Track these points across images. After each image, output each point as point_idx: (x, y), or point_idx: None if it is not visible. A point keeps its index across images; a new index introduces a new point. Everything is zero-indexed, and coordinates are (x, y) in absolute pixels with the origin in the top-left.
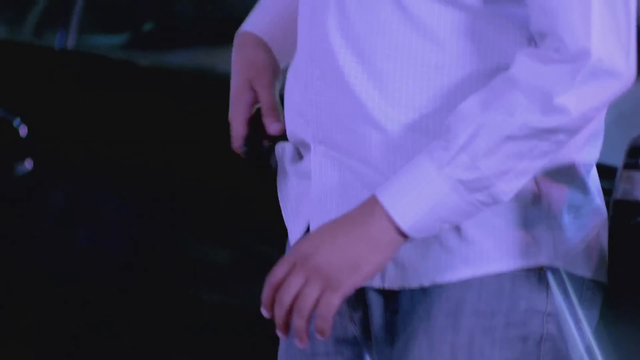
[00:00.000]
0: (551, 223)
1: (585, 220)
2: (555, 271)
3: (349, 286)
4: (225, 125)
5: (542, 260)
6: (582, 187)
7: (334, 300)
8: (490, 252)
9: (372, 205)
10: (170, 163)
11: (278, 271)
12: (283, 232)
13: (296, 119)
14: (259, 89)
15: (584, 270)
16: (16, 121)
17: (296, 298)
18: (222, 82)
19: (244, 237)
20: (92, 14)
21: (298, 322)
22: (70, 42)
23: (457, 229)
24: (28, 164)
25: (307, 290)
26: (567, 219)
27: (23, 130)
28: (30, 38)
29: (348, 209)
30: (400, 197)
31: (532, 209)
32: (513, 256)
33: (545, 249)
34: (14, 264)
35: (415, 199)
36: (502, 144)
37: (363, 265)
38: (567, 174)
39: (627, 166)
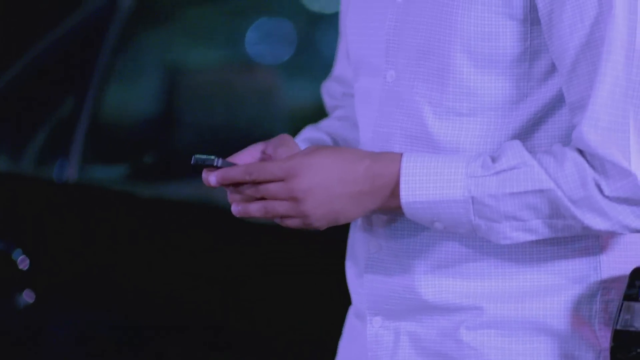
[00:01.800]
0: None
1: None
2: None
3: (317, 228)
4: (225, 256)
5: None
6: None
7: (296, 225)
8: None
9: (389, 163)
10: (174, 294)
11: (272, 188)
12: None
13: (353, 294)
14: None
15: None
16: (16, 253)
17: (270, 204)
18: (221, 214)
19: None
20: (92, 146)
21: (256, 211)
22: (71, 174)
23: None
24: (28, 296)
25: (282, 213)
26: None
27: (24, 262)
28: (31, 169)
29: None
30: (421, 174)
31: None
32: None
33: None
34: None
35: (430, 184)
36: (530, 192)
37: (341, 219)
38: None
39: (628, 297)
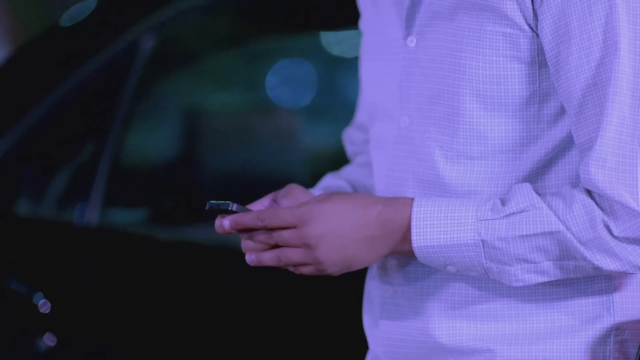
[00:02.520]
0: None
1: None
2: None
3: (331, 274)
4: (243, 299)
5: None
6: None
7: (310, 272)
8: None
9: (401, 207)
10: (194, 337)
11: (285, 235)
12: None
13: (370, 338)
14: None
15: None
16: (37, 296)
17: (283, 253)
18: (241, 258)
19: None
20: (113, 189)
21: (269, 260)
22: (92, 217)
23: None
24: (49, 340)
25: (295, 261)
26: None
27: (45, 306)
28: (52, 213)
29: None
30: (432, 218)
31: None
32: None
33: None
34: None
35: (441, 228)
36: (540, 235)
37: (355, 264)
38: None
39: None
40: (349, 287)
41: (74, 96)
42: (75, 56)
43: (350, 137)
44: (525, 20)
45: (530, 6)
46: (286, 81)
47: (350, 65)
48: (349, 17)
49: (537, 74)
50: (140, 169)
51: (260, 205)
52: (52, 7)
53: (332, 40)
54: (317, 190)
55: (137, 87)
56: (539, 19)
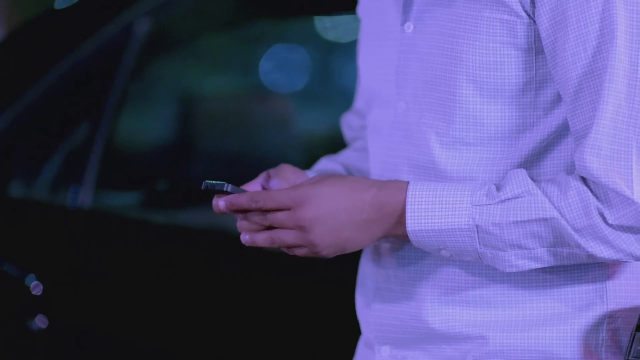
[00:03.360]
0: None
1: None
2: None
3: (325, 256)
4: (237, 283)
5: None
6: None
7: (304, 254)
8: None
9: (396, 191)
10: (187, 320)
11: (279, 217)
12: None
13: (362, 323)
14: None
15: None
16: (29, 278)
17: (277, 234)
18: (235, 241)
19: None
20: (106, 172)
21: (263, 241)
22: (85, 200)
23: None
24: (41, 322)
25: (289, 242)
26: None
27: (37, 288)
28: (45, 195)
29: None
30: (427, 202)
31: None
32: None
33: None
34: None
35: (436, 213)
36: (534, 221)
37: (349, 247)
38: None
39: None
40: (342, 273)
41: (68, 79)
42: (70, 39)
43: (349, 122)
44: (523, 6)
45: None
46: (280, 65)
47: (344, 50)
48: (343, 2)
49: (534, 61)
50: (133, 153)
51: (255, 185)
52: None
53: (327, 25)
54: (311, 173)
55: (132, 71)
56: (536, 5)
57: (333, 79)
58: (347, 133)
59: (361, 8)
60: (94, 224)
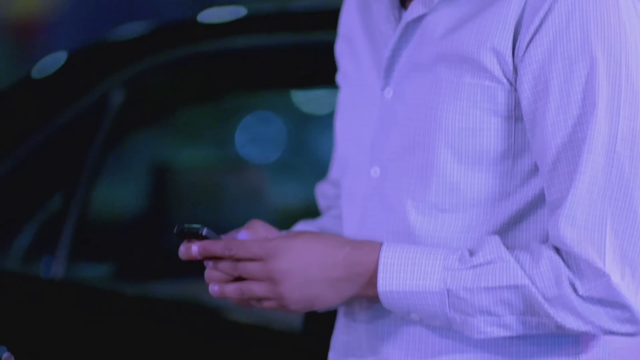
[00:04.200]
0: None
1: None
2: None
3: (294, 311)
4: (211, 356)
5: None
6: None
7: (272, 307)
8: None
9: (369, 251)
10: None
11: (250, 267)
12: None
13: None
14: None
15: None
16: (1, 350)
17: (247, 285)
18: (208, 314)
19: None
20: (80, 243)
21: (232, 292)
22: (58, 271)
23: None
24: None
25: (259, 294)
26: None
27: None
28: (17, 266)
29: None
30: (399, 264)
31: None
32: None
33: None
34: None
35: (407, 275)
36: (505, 288)
37: (317, 304)
38: None
39: None
40: (320, 339)
41: (43, 148)
42: (46, 109)
43: (323, 191)
44: (504, 74)
45: (510, 60)
46: (255, 137)
47: (321, 122)
48: (320, 76)
49: (513, 129)
50: (107, 223)
51: (231, 236)
52: (25, 58)
53: (303, 99)
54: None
55: (106, 141)
56: (518, 73)
57: (308, 150)
58: (322, 202)
59: (341, 75)
60: (67, 295)
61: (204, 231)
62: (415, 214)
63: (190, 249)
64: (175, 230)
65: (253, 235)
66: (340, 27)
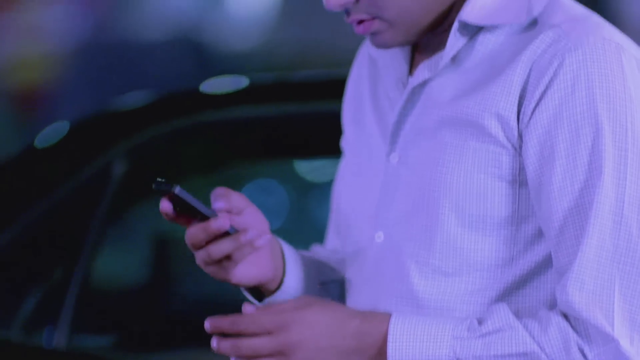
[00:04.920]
0: None
1: None
2: None
3: None
4: None
5: None
6: None
7: None
8: None
9: (379, 322)
10: None
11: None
12: None
13: None
14: None
15: None
16: None
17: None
18: None
19: None
20: (82, 314)
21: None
22: (60, 341)
23: None
24: None
25: None
26: None
27: None
28: (20, 336)
29: None
30: (409, 333)
31: None
32: None
33: None
34: None
35: (417, 344)
36: (514, 355)
37: None
38: None
39: None
40: None
41: (46, 218)
42: (48, 179)
43: (317, 250)
44: (508, 139)
45: (515, 125)
46: (258, 205)
47: (322, 190)
48: (322, 146)
49: (517, 194)
50: (110, 294)
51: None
52: (27, 128)
53: (305, 168)
54: (286, 246)
55: (109, 212)
56: (523, 139)
57: (311, 218)
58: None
59: (345, 140)
60: None
61: (177, 190)
62: (418, 277)
63: (166, 208)
64: (153, 186)
65: (227, 204)
66: (347, 92)
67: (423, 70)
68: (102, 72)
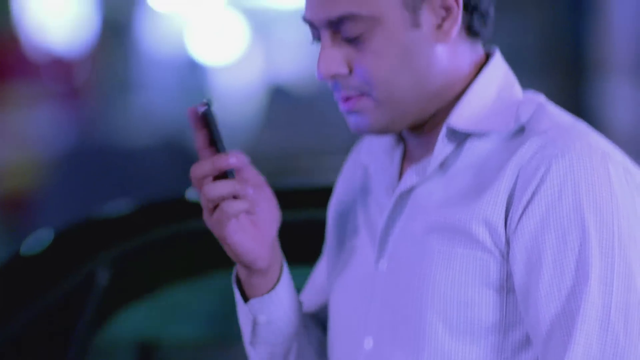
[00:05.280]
0: None
1: None
2: None
3: None
4: None
5: None
6: None
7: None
8: None
9: None
10: None
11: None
12: None
13: None
14: None
15: None
16: None
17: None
18: None
19: None
20: None
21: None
22: None
23: None
24: None
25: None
26: None
27: None
28: None
29: None
30: None
31: None
32: None
33: None
34: None
35: None
36: None
37: None
38: None
39: None
40: None
41: (31, 326)
42: (33, 286)
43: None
44: (496, 245)
45: (502, 231)
46: None
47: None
48: (304, 254)
49: (505, 302)
50: None
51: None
52: (12, 235)
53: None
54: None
55: (93, 319)
56: (511, 245)
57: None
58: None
59: (329, 242)
60: None
61: (204, 109)
62: None
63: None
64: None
65: (242, 166)
66: (336, 191)
67: (411, 176)
68: (88, 177)
